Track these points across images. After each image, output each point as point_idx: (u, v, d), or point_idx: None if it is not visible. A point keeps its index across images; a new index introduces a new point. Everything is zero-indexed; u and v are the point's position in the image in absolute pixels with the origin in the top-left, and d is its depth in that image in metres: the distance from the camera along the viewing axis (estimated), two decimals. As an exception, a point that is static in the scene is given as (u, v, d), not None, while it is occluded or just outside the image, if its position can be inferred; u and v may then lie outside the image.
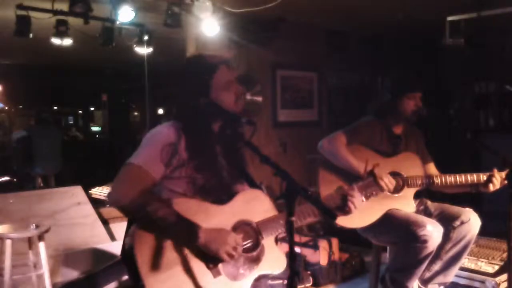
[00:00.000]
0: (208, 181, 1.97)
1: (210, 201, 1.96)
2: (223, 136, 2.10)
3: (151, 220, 1.79)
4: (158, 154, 1.90)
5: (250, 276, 1.98)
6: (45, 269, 3.36)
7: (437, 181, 2.91)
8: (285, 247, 4.10)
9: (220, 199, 1.99)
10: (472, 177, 2.88)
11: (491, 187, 2.82)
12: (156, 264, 1.79)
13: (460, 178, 2.90)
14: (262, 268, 2.01)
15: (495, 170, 2.82)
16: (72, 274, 3.83)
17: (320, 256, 4.07)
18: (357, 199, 2.13)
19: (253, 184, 2.12)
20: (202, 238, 1.83)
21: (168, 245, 1.83)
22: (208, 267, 1.89)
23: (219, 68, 2.06)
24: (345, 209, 2.12)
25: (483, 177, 2.86)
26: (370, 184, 2.23)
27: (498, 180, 2.80)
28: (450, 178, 2.91)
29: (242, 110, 2.05)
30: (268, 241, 2.04)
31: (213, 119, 2.06)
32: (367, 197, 2.25)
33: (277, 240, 2.11)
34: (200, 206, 1.92)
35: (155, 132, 2.00)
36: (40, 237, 3.34)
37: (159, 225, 1.80)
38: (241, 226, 1.99)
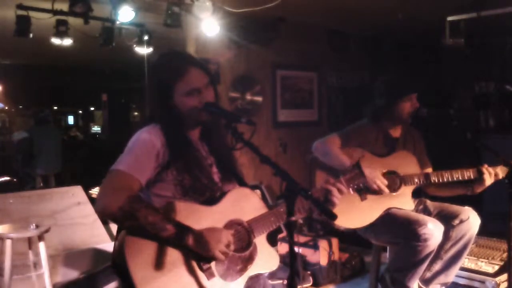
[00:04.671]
0: (196, 180, 1.94)
1: (200, 202, 1.94)
2: (211, 133, 2.07)
3: (141, 226, 1.75)
4: (142, 158, 1.87)
5: (244, 276, 1.97)
6: (45, 269, 3.35)
7: (433, 178, 2.91)
8: (285, 247, 4.10)
9: (210, 199, 1.97)
10: (468, 173, 2.87)
11: (486, 182, 2.81)
12: (149, 270, 1.76)
13: (457, 174, 2.89)
14: (256, 267, 2.00)
15: (486, 165, 2.83)
16: (72, 274, 3.83)
17: (320, 256, 4.07)
18: (343, 191, 2.09)
19: (242, 182, 2.10)
20: (196, 240, 1.80)
21: (161, 250, 1.80)
22: (201, 269, 1.86)
23: (187, 71, 1.96)
24: (329, 202, 2.06)
25: (478, 172, 2.86)
26: (356, 176, 2.22)
27: (491, 173, 2.80)
28: (446, 175, 2.90)
29: (205, 122, 1.99)
30: (260, 240, 2.03)
31: (189, 120, 2.00)
32: (354, 190, 2.23)
33: (277, 240, 2.10)
34: (190, 208, 1.90)
35: (136, 137, 1.94)
36: (40, 237, 3.34)
37: (150, 231, 1.76)
38: (233, 226, 1.97)
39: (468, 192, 2.91)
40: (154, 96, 2.02)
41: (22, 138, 6.90)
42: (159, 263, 1.78)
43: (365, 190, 2.86)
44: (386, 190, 2.84)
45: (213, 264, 1.89)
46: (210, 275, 1.87)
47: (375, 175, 2.82)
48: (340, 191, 2.07)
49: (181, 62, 2.00)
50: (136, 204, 1.77)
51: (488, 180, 2.80)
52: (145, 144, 1.90)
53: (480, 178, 2.82)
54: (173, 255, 1.82)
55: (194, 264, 1.86)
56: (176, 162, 1.92)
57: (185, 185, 1.92)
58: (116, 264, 1.85)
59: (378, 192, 2.82)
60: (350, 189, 2.17)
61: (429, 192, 3.09)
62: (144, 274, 1.75)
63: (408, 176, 2.93)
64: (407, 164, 2.96)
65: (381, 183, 2.82)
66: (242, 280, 1.96)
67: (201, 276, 1.86)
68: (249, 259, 1.99)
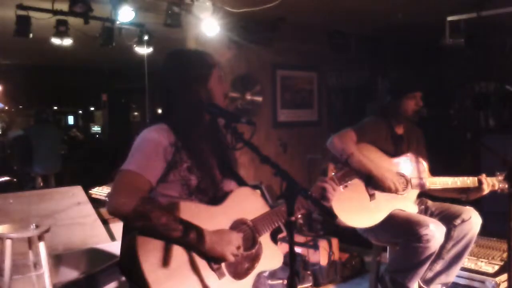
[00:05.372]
0: (201, 181, 1.95)
1: (204, 202, 1.95)
2: (212, 134, 2.08)
3: (154, 227, 1.77)
4: (151, 158, 1.87)
5: (252, 274, 2.00)
6: (45, 269, 3.35)
7: (439, 182, 2.93)
8: (285, 247, 4.12)
9: (213, 199, 1.98)
10: (468, 181, 2.91)
11: (484, 191, 2.88)
12: (161, 270, 1.78)
13: (458, 182, 2.92)
14: (262, 265, 2.03)
15: (484, 175, 2.89)
16: (72, 274, 3.83)
17: (320, 256, 4.07)
18: (336, 188, 2.13)
19: (241, 182, 2.13)
20: (207, 241, 1.83)
21: (172, 250, 1.82)
22: (212, 269, 1.89)
23: (216, 63, 2.09)
24: (324, 199, 2.10)
25: (478, 182, 2.89)
26: (347, 173, 2.22)
27: (488, 184, 2.88)
28: (449, 182, 2.93)
29: (226, 107, 2.09)
30: (264, 238, 2.06)
31: (205, 116, 2.03)
32: (344, 187, 2.25)
33: (277, 240, 2.11)
34: (194, 208, 1.91)
35: (145, 136, 1.95)
36: (40, 237, 3.34)
37: (162, 231, 1.78)
38: (238, 226, 2.00)
39: (463, 198, 2.99)
40: (178, 93, 2.01)
41: (17, 135, 6.90)
42: (171, 263, 1.80)
43: (376, 189, 2.86)
44: (400, 190, 2.85)
45: (223, 263, 1.91)
46: (220, 274, 1.90)
47: (393, 174, 2.84)
48: (333, 188, 2.11)
49: (211, 58, 2.10)
50: (149, 205, 1.79)
51: (486, 190, 2.89)
52: (154, 144, 1.90)
53: (479, 187, 2.89)
54: (184, 255, 1.84)
55: (204, 263, 1.88)
56: (185, 162, 1.93)
57: (191, 185, 1.93)
58: (125, 264, 1.85)
59: (390, 191, 2.83)
60: (341, 186, 2.19)
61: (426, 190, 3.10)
62: (157, 274, 1.77)
63: (415, 179, 2.94)
64: (415, 167, 2.97)
65: (397, 182, 2.83)
66: (251, 278, 2.00)
67: (212, 275, 1.89)
68: (256, 257, 2.02)
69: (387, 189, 2.83)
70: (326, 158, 2.97)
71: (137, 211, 1.76)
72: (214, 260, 1.88)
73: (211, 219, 1.92)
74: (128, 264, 1.82)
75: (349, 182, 2.23)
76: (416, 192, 2.97)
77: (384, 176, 2.81)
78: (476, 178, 2.91)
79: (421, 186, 2.94)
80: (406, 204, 2.92)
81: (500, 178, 2.88)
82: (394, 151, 3.01)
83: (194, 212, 1.89)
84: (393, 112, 3.01)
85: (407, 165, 2.97)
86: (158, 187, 1.92)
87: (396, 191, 2.84)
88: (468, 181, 2.92)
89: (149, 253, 1.77)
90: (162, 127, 1.95)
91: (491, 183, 2.89)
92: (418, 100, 2.97)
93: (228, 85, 2.15)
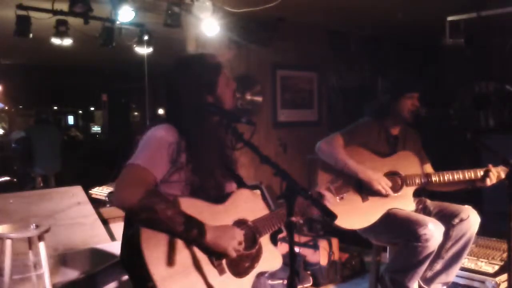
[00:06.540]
0: (204, 182, 1.97)
1: (206, 201, 1.97)
2: (217, 135, 2.10)
3: (159, 220, 1.78)
4: (158, 154, 1.90)
5: (252, 273, 2.02)
6: (45, 269, 3.35)
7: (435, 179, 2.92)
8: (285, 247, 4.12)
9: (215, 199, 2.00)
10: (469, 174, 2.90)
11: (488, 182, 2.84)
12: (165, 263, 1.79)
13: (458, 175, 2.91)
14: (261, 266, 2.05)
15: (491, 166, 2.85)
16: (72, 274, 3.83)
17: (320, 256, 4.07)
18: (332, 200, 2.19)
19: (241, 183, 2.15)
20: (210, 236, 1.84)
21: (175, 244, 1.83)
22: (213, 265, 1.90)
23: (222, 67, 2.10)
24: None
25: (479, 173, 2.87)
26: (342, 185, 2.27)
27: (494, 175, 2.84)
28: (448, 176, 2.92)
29: (236, 105, 2.13)
30: (264, 239, 2.09)
31: (212, 118, 2.05)
32: (340, 198, 2.28)
33: (277, 240, 2.13)
34: (199, 206, 1.93)
35: (153, 134, 1.98)
36: (40, 237, 3.34)
37: (166, 225, 1.79)
38: (239, 225, 2.01)
39: (469, 187, 2.93)
40: (192, 92, 2.03)
41: (20, 137, 6.91)
42: (174, 258, 1.81)
43: (367, 191, 2.86)
44: (391, 192, 2.84)
45: (223, 260, 1.93)
46: (221, 271, 1.91)
47: (379, 177, 2.83)
48: (330, 196, 2.19)
49: (218, 60, 2.12)
50: (155, 197, 1.81)
51: (493, 180, 2.84)
52: (161, 141, 1.93)
53: (484, 178, 2.85)
54: (186, 250, 1.86)
55: (206, 259, 1.90)
56: (190, 164, 1.95)
57: (195, 185, 1.96)
58: (128, 257, 1.86)
59: (381, 193, 2.83)
60: (337, 198, 2.23)
61: (428, 187, 3.09)
62: (161, 268, 1.78)
63: (410, 176, 2.93)
64: (409, 164, 2.96)
65: (386, 184, 2.83)
66: (251, 277, 2.01)
67: (213, 271, 1.90)
68: (256, 257, 2.04)
69: (376, 192, 2.84)
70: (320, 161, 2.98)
71: (142, 203, 1.78)
72: (216, 255, 1.90)
73: (214, 216, 1.94)
74: (131, 258, 1.82)
75: (345, 194, 2.28)
76: (412, 189, 2.96)
77: (371, 179, 2.81)
78: (478, 171, 2.89)
79: (420, 183, 2.94)
80: (402, 202, 2.92)
81: (505, 168, 2.83)
82: (389, 152, 3.00)
83: (197, 208, 1.91)
84: (389, 112, 3.01)
85: (403, 163, 2.96)
86: (161, 186, 1.94)
87: (386, 194, 2.84)
88: (468, 173, 2.90)
89: (153, 247, 1.79)
90: (169, 126, 1.99)
91: (496, 174, 2.84)
92: (415, 100, 2.97)
93: (235, 82, 2.17)
